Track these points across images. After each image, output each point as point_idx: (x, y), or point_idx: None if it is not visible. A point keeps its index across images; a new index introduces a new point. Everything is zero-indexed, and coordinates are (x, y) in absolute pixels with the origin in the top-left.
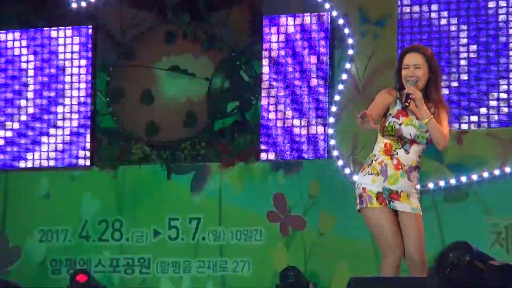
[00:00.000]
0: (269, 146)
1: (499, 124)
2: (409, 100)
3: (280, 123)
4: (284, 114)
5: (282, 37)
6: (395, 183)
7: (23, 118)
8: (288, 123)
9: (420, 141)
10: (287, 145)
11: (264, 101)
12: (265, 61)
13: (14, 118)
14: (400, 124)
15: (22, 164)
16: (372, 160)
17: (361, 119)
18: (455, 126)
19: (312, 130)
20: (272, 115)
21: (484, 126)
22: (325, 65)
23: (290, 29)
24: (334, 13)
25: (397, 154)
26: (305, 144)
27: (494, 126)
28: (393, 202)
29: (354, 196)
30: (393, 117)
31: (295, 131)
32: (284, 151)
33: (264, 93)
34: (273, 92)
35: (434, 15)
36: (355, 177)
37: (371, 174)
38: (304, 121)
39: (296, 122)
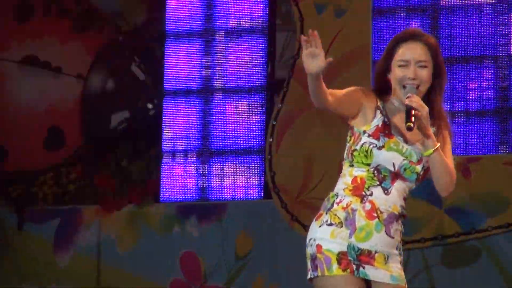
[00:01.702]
0: (175, 179)
1: None
2: (412, 118)
3: None
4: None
5: (196, 12)
6: (366, 239)
7: None
8: None
9: (408, 177)
10: (203, 178)
11: (168, 109)
12: (170, 50)
13: None
14: (380, 148)
15: None
16: (333, 203)
17: (307, 43)
18: (459, 151)
19: (241, 154)
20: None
21: (503, 150)
22: (262, 56)
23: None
24: None
25: (371, 194)
26: (230, 176)
27: None
28: (363, 267)
29: (304, 257)
30: (369, 136)
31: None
32: (198, 188)
33: (169, 97)
34: (181, 96)
35: None
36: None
37: (331, 224)
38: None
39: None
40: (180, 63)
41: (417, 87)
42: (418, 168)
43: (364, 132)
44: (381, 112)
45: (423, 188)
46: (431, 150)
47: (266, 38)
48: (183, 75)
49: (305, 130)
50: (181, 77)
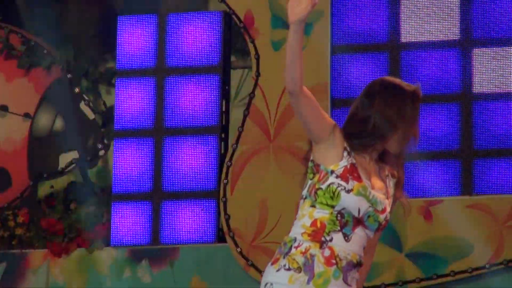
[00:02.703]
0: (126, 222)
1: (490, 190)
2: None
3: None
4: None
5: (148, 50)
6: (324, 286)
7: None
8: None
9: (369, 225)
10: (155, 221)
11: (118, 150)
12: (121, 87)
13: None
14: (348, 192)
15: None
16: (291, 247)
17: None
18: (420, 193)
19: (195, 196)
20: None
21: (466, 192)
22: (216, 94)
23: (161, 36)
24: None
25: (331, 240)
26: (183, 219)
27: (482, 192)
28: None
29: None
30: (337, 177)
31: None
32: (150, 231)
33: (119, 137)
34: (133, 136)
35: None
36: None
37: (289, 269)
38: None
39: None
40: (131, 102)
41: None
42: (381, 217)
43: (332, 172)
44: (348, 153)
45: (383, 231)
46: None
47: (220, 75)
48: (134, 114)
49: (260, 171)
50: (132, 117)
